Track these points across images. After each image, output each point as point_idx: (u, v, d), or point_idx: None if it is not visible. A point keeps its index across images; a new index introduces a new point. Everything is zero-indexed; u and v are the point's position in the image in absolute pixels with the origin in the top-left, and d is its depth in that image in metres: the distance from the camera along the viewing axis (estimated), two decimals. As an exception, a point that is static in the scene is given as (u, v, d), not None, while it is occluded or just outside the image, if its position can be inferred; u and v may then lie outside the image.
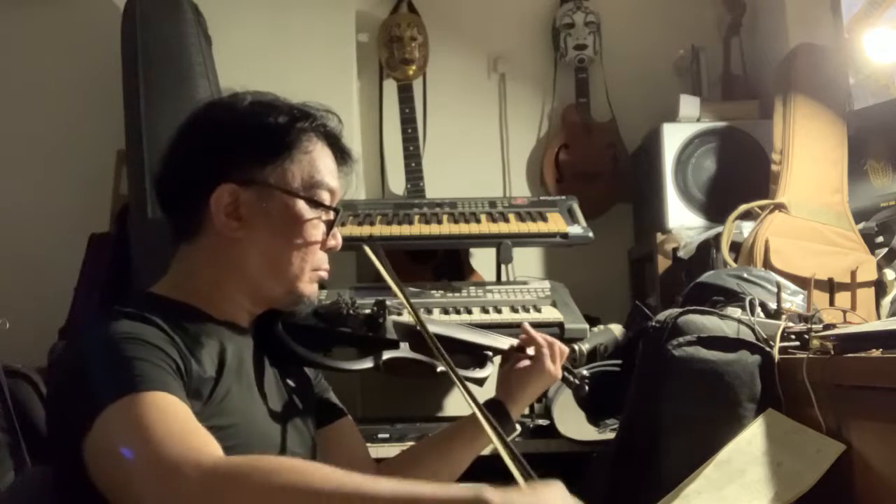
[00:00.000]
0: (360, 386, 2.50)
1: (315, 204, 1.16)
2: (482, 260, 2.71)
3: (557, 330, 2.06)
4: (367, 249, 1.24)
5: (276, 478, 0.84)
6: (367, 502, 0.83)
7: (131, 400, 0.92)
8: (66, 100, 2.73)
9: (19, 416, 1.58)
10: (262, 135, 1.15)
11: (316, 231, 1.17)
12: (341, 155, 1.23)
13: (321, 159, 1.19)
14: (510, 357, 1.42)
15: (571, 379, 1.46)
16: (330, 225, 1.19)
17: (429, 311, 2.14)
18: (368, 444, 1.90)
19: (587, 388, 1.47)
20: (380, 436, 2.01)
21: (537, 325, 2.05)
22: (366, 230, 2.28)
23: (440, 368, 1.22)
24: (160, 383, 0.95)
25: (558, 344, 1.41)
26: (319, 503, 0.84)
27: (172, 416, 0.93)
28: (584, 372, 1.53)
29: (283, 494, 0.84)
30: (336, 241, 1.20)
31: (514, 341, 1.43)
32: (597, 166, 2.86)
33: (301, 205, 1.16)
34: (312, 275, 1.18)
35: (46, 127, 2.73)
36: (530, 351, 1.40)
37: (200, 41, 2.35)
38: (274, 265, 1.16)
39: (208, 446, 0.91)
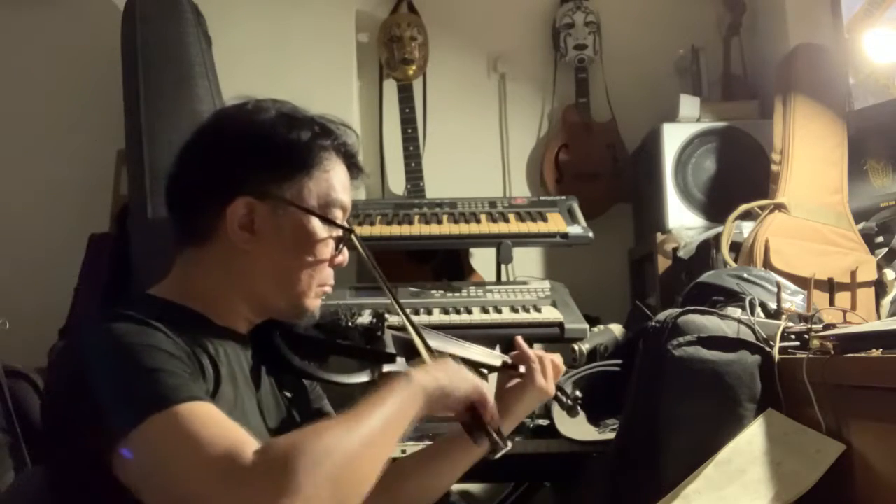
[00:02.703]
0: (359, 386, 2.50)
1: (329, 222, 1.17)
2: (482, 260, 2.71)
3: (557, 330, 2.06)
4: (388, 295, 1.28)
5: (319, 442, 0.90)
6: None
7: (168, 415, 0.92)
8: (66, 100, 2.73)
9: (19, 416, 1.58)
10: (285, 151, 1.16)
11: (326, 248, 1.18)
12: (355, 171, 1.24)
13: (337, 177, 1.19)
14: (503, 373, 1.42)
15: (564, 400, 1.49)
16: (339, 242, 1.19)
17: (429, 312, 2.14)
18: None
19: (579, 410, 1.49)
20: (379, 436, 2.00)
21: (537, 325, 2.08)
22: (366, 230, 2.28)
23: None
24: (187, 391, 0.95)
25: (550, 359, 1.41)
26: (352, 445, 0.92)
27: (210, 419, 0.94)
28: (578, 393, 1.56)
29: (329, 453, 0.90)
30: (343, 258, 1.21)
31: (508, 359, 1.43)
32: (597, 166, 2.85)
33: (315, 222, 1.16)
34: (318, 290, 1.19)
35: (46, 127, 2.73)
36: (522, 368, 1.41)
37: (200, 41, 2.35)
38: (282, 279, 1.16)
39: (248, 435, 0.94)
